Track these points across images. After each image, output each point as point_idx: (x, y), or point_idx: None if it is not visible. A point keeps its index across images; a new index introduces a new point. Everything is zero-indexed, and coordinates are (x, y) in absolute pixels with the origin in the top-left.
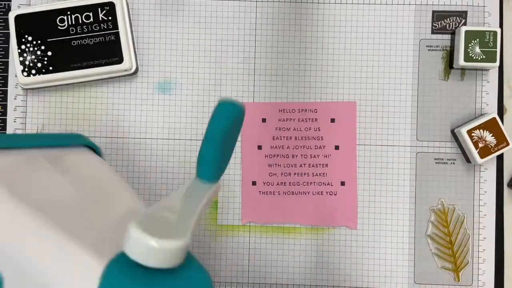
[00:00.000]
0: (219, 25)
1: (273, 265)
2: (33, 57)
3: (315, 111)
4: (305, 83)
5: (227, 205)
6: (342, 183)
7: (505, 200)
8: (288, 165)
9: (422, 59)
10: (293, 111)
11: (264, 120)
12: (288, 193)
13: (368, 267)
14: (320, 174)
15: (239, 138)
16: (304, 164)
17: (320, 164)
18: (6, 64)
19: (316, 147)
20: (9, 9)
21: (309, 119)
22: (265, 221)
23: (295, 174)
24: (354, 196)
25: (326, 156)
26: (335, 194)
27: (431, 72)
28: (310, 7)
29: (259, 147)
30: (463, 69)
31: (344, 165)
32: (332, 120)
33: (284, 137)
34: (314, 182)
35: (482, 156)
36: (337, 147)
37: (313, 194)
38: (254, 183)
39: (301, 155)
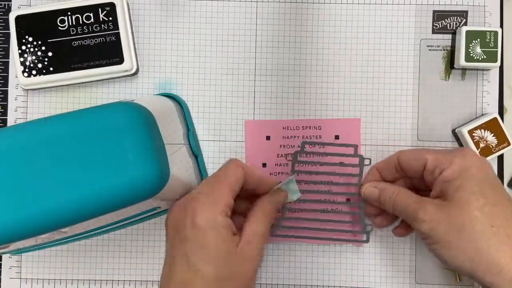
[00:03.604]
0: (219, 25)
1: (274, 265)
2: (34, 57)
3: (319, 128)
4: (305, 86)
5: None
6: (347, 200)
7: None
8: None
9: (423, 59)
10: (297, 128)
11: (268, 137)
12: (293, 210)
13: (368, 267)
14: (324, 191)
15: (243, 156)
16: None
17: (324, 181)
18: (6, 64)
19: (320, 164)
20: (9, 9)
21: (313, 136)
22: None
23: (299, 191)
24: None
25: (330, 172)
26: (340, 211)
27: (432, 72)
28: (311, 7)
29: (264, 165)
30: (464, 69)
31: (348, 181)
32: (336, 137)
33: (288, 154)
34: (319, 199)
35: (483, 156)
36: (342, 163)
37: (320, 212)
38: None
39: (305, 172)
